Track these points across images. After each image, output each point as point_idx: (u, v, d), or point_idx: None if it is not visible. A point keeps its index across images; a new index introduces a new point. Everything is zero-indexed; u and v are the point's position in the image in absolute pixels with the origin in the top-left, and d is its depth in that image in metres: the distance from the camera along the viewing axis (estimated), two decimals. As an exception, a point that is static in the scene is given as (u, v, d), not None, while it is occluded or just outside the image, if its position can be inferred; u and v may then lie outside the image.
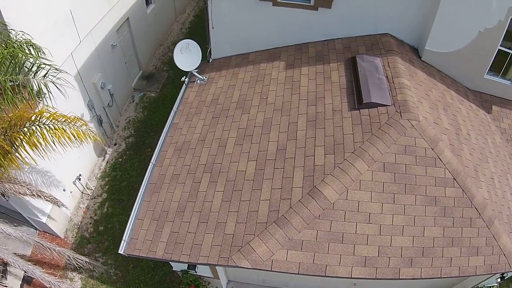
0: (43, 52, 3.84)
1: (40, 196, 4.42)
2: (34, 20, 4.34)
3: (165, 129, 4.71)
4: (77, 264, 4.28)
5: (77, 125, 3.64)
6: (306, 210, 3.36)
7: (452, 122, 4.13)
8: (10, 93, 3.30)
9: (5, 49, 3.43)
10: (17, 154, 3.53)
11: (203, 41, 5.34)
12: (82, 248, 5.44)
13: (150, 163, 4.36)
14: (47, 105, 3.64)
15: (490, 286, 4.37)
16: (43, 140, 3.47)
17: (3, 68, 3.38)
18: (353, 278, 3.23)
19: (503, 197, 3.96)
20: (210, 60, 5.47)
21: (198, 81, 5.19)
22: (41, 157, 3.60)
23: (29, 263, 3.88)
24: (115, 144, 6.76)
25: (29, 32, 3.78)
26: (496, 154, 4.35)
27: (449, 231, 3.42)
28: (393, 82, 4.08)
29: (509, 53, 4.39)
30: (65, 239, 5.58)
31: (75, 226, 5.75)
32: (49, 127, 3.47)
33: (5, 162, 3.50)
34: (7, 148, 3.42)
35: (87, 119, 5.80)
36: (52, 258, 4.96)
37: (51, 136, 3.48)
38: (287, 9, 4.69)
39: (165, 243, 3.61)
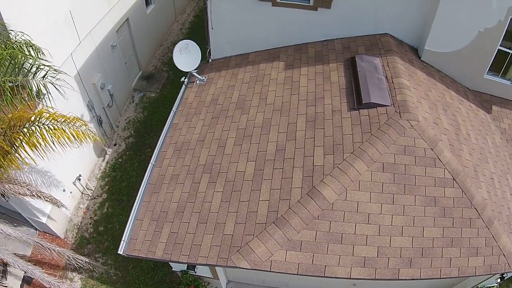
0: (43, 53, 3.85)
1: (40, 197, 4.43)
2: (34, 20, 4.34)
3: (164, 129, 4.71)
4: (76, 264, 4.29)
5: (77, 125, 3.65)
6: (305, 211, 3.36)
7: (451, 122, 4.12)
8: (9, 94, 3.31)
9: (5, 50, 3.43)
10: (16, 155, 3.54)
11: (203, 41, 5.34)
12: (82, 249, 5.44)
13: (150, 164, 4.36)
14: (47, 106, 3.65)
15: (490, 287, 4.36)
16: (43, 141, 3.48)
17: (3, 69, 3.39)
18: (352, 278, 3.22)
19: (503, 198, 3.95)
20: (210, 60, 5.47)
21: (198, 82, 5.19)
22: (41, 157, 3.60)
23: (29, 263, 3.88)
24: (115, 145, 6.77)
25: (29, 32, 3.79)
26: (496, 154, 4.34)
27: (448, 231, 3.42)
28: (392, 82, 4.08)
29: (509, 53, 4.38)
30: (65, 240, 5.59)
31: (75, 227, 5.75)
32: (48, 127, 3.48)
33: (5, 162, 3.50)
34: (6, 149, 3.43)
35: (87, 120, 5.81)
36: (52, 258, 4.97)
37: (51, 136, 3.49)
38: (286, 9, 4.69)
39: (165, 244, 3.61)
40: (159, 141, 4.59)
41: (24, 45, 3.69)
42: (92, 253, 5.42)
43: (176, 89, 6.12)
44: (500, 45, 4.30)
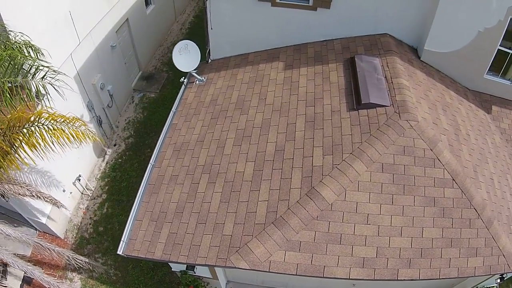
0: (42, 54, 3.85)
1: (39, 197, 4.44)
2: (34, 21, 4.35)
3: (164, 130, 4.72)
4: (76, 264, 4.29)
5: (76, 125, 3.65)
6: (304, 211, 3.36)
7: (451, 122, 4.12)
8: (8, 95, 3.31)
9: (4, 51, 3.44)
10: (16, 155, 3.54)
11: (203, 41, 5.34)
12: (81, 249, 5.45)
13: (149, 164, 4.37)
14: (46, 106, 3.66)
15: (490, 287, 4.35)
16: (42, 141, 3.48)
17: (2, 69, 3.40)
18: (351, 279, 3.22)
19: (503, 198, 3.95)
20: (209, 60, 5.47)
21: (197, 82, 5.19)
22: (40, 157, 3.61)
23: (29, 263, 3.89)
24: (114, 145, 6.77)
25: (28, 33, 3.80)
26: (496, 154, 4.33)
27: (448, 232, 3.41)
28: (392, 82, 4.07)
29: (509, 53, 4.37)
30: (65, 240, 5.60)
31: (75, 227, 5.76)
32: (48, 127, 3.48)
33: (5, 163, 3.51)
34: (6, 149, 3.43)
35: (86, 120, 5.82)
36: (52, 258, 4.98)
37: (50, 136, 3.49)
38: (285, 10, 4.69)
39: (164, 244, 3.61)
40: (159, 141, 4.59)
41: (23, 45, 3.70)
42: (92, 253, 5.43)
43: (176, 89, 6.12)
44: (500, 45, 4.29)
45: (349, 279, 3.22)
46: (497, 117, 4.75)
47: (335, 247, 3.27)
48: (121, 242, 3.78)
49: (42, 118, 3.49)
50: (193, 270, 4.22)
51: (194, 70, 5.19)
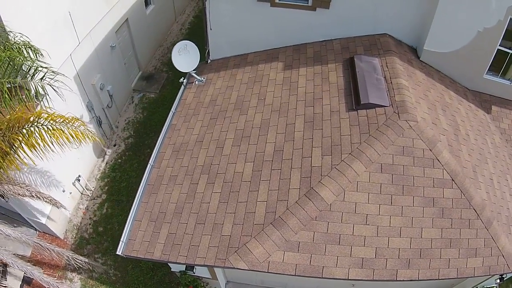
0: (41, 54, 3.86)
1: (39, 197, 4.45)
2: (34, 21, 4.35)
3: (163, 130, 4.72)
4: (76, 264, 4.30)
5: (75, 125, 3.66)
6: (303, 212, 3.36)
7: (450, 122, 4.11)
8: (7, 96, 3.32)
9: (4, 52, 3.45)
10: (16, 156, 3.55)
11: (203, 41, 5.34)
12: (81, 249, 5.46)
13: (148, 164, 4.37)
14: (46, 107, 3.66)
15: (489, 287, 4.35)
16: (42, 141, 3.49)
17: (1, 70, 3.40)
18: (350, 279, 3.22)
19: (502, 198, 3.94)
20: (209, 61, 5.48)
21: (197, 82, 5.20)
22: (40, 158, 3.61)
23: (29, 263, 3.90)
24: (114, 145, 6.78)
25: (28, 33, 3.80)
26: (496, 154, 4.32)
27: (447, 232, 3.41)
28: (391, 82, 4.07)
29: (509, 53, 4.36)
30: (65, 240, 5.61)
31: (75, 227, 5.77)
32: (47, 128, 3.49)
33: (5, 163, 3.52)
34: (6, 150, 3.44)
35: (86, 120, 5.82)
36: (51, 258, 4.98)
37: (50, 137, 3.50)
38: (285, 10, 4.68)
39: (163, 244, 3.62)
40: (158, 142, 4.59)
41: (23, 46, 3.70)
42: (91, 253, 5.44)
43: (175, 90, 6.12)
44: (499, 45, 4.28)
45: (348, 279, 3.22)
46: (497, 117, 4.74)
47: (334, 247, 3.27)
48: (120, 242, 3.79)
49: (42, 119, 3.50)
50: (193, 271, 4.22)
51: (193, 70, 5.19)
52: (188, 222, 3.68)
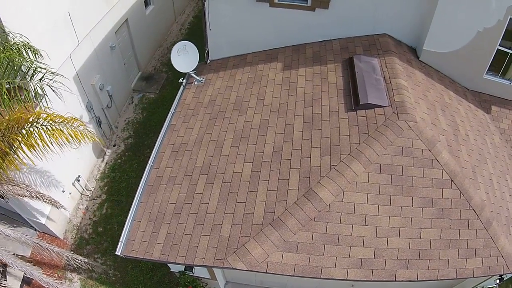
0: (41, 55, 3.86)
1: (38, 198, 4.45)
2: (33, 22, 4.36)
3: (162, 130, 4.72)
4: (75, 264, 4.31)
5: (75, 125, 3.66)
6: (301, 212, 3.36)
7: (450, 122, 4.10)
8: (6, 96, 3.32)
9: (3, 53, 3.45)
10: (15, 156, 3.56)
11: (203, 42, 5.33)
12: (81, 249, 5.47)
13: (147, 165, 4.37)
14: (46, 107, 3.67)
15: (489, 287, 4.34)
16: (41, 141, 3.49)
17: (0, 71, 3.41)
18: (349, 280, 3.22)
19: (502, 198, 3.93)
20: (208, 61, 5.48)
21: (196, 83, 5.20)
22: (39, 158, 3.62)
23: (28, 264, 3.91)
24: (114, 145, 6.79)
25: (28, 34, 3.81)
26: (495, 154, 4.31)
27: (446, 233, 3.40)
28: (390, 82, 4.06)
29: (509, 52, 4.35)
30: (65, 240, 5.61)
31: (74, 227, 5.78)
32: (46, 128, 3.49)
33: (4, 163, 3.53)
34: (5, 150, 3.45)
35: (86, 121, 5.83)
36: (51, 259, 4.98)
37: (49, 137, 3.50)
38: (284, 10, 4.68)
39: (162, 245, 3.62)
40: (157, 142, 4.60)
41: (22, 47, 3.71)
42: (91, 253, 5.45)
43: (175, 90, 6.13)
44: (499, 45, 4.27)
45: (347, 280, 3.21)
46: (497, 117, 4.72)
47: (333, 248, 3.26)
48: (120, 242, 3.79)
49: (41, 119, 3.50)
50: (192, 271, 4.23)
51: (192, 71, 5.20)
52: (187, 222, 3.68)
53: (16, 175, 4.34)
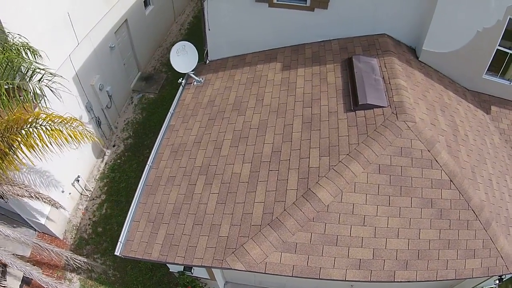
0: (40, 55, 3.87)
1: (38, 198, 4.46)
2: (33, 22, 4.36)
3: (161, 131, 4.73)
4: (75, 264, 4.32)
5: (74, 125, 3.66)
6: (300, 213, 3.35)
7: (449, 123, 4.09)
8: (5, 97, 3.33)
9: (2, 53, 3.46)
10: (15, 156, 3.56)
11: (202, 42, 5.33)
12: (80, 249, 5.48)
13: (147, 165, 4.38)
14: (45, 107, 3.67)
15: (488, 288, 4.33)
16: (40, 141, 3.50)
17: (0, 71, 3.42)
18: (348, 280, 3.21)
19: (501, 199, 3.92)
20: (207, 61, 5.48)
21: (195, 83, 5.20)
22: (39, 158, 3.63)
23: (27, 264, 3.91)
24: (113, 146, 6.80)
25: (27, 34, 3.81)
26: (495, 155, 4.30)
27: (445, 233, 3.39)
28: (389, 83, 4.05)
29: (508, 52, 4.34)
30: (64, 240, 5.62)
31: (74, 228, 5.79)
32: (45, 128, 3.50)
33: (4, 164, 3.53)
34: (5, 150, 3.45)
35: (85, 121, 5.84)
36: (50, 259, 5.00)
37: (48, 137, 3.51)
38: (283, 10, 4.68)
39: (161, 245, 3.62)
40: (156, 142, 4.60)
41: (21, 47, 3.71)
42: (90, 254, 5.46)
43: (175, 90, 6.13)
44: (499, 45, 4.26)
45: (345, 280, 3.21)
46: (496, 118, 4.71)
47: (331, 248, 3.26)
48: (119, 243, 3.80)
49: (40, 119, 3.51)
50: (191, 271, 4.23)
51: (192, 71, 5.20)
52: (186, 222, 3.68)
53: (16, 176, 4.35)
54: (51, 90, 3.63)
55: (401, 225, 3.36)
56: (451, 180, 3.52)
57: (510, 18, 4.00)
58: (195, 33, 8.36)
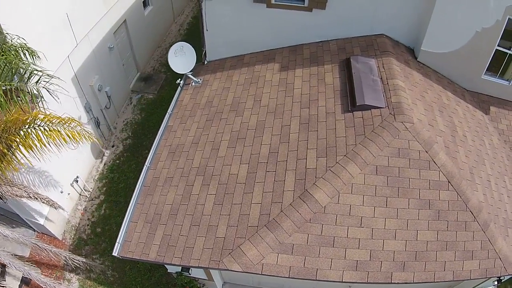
0: (38, 57, 3.88)
1: (36, 199, 4.48)
2: (32, 23, 4.37)
3: (159, 132, 4.73)
4: (73, 264, 4.33)
5: (72, 126, 3.67)
6: (297, 214, 3.35)
7: (448, 123, 4.08)
8: (2, 99, 3.34)
9: (1, 54, 3.47)
10: (13, 157, 3.57)
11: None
12: (79, 250, 5.49)
13: (144, 166, 4.38)
14: (43, 108, 3.68)
15: (487, 289, 4.31)
16: (38, 142, 3.51)
17: (-2, 73, 3.43)
18: (344, 282, 3.21)
19: (500, 200, 3.90)
20: (205, 62, 5.48)
21: (193, 84, 5.20)
22: (37, 159, 3.64)
23: (26, 264, 3.93)
24: (112, 146, 6.81)
25: (26, 35, 3.82)
26: (493, 155, 4.28)
27: (443, 234, 3.38)
28: (387, 83, 4.04)
29: (507, 53, 4.31)
30: (63, 241, 5.64)
31: (73, 228, 5.81)
32: (44, 129, 3.51)
33: (2, 164, 3.55)
34: (3, 151, 3.47)
35: (84, 122, 5.85)
36: (49, 259, 5.02)
37: (46, 138, 3.52)
38: (281, 11, 4.67)
39: (158, 246, 3.63)
40: (154, 143, 4.61)
41: (20, 48, 3.72)
42: (89, 254, 5.47)
43: (174, 91, 6.12)
44: (498, 45, 4.23)
45: (342, 282, 3.21)
46: (495, 118, 4.69)
47: (328, 250, 3.26)
48: (117, 243, 3.81)
49: (38, 120, 3.52)
50: (188, 272, 4.23)
51: (190, 72, 5.20)
52: (183, 223, 3.69)
53: (15, 176, 4.36)
54: (49, 92, 3.63)
55: (399, 226, 3.35)
56: (449, 181, 3.51)
57: (509, 18, 3.97)
58: (195, 34, 8.35)
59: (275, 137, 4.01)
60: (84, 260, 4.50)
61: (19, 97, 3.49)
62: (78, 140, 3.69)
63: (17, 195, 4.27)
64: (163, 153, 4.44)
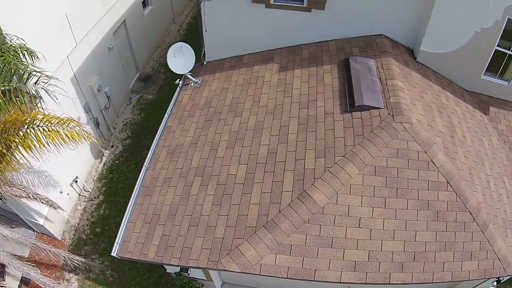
0: (37, 57, 3.88)
1: (36, 199, 4.49)
2: (31, 24, 4.37)
3: (158, 132, 4.74)
4: (72, 264, 4.33)
5: (71, 126, 3.68)
6: (295, 214, 3.35)
7: (447, 124, 4.07)
8: (1, 100, 3.35)
9: (0, 55, 3.47)
10: (12, 157, 3.58)
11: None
12: (79, 250, 5.50)
13: (143, 166, 4.39)
14: (42, 108, 3.69)
15: (486, 290, 4.30)
16: (38, 142, 3.51)
17: (-3, 73, 3.43)
18: (343, 283, 3.21)
19: (499, 200, 3.89)
20: (204, 62, 5.48)
21: (192, 84, 5.20)
22: (36, 159, 3.64)
23: (26, 264, 3.94)
24: (112, 146, 6.82)
25: (25, 36, 3.82)
26: (493, 156, 4.27)
27: (441, 235, 3.37)
28: (386, 84, 4.03)
29: (507, 53, 4.30)
30: (63, 241, 5.65)
31: (72, 228, 5.82)
32: (43, 129, 3.52)
33: (1, 165, 3.55)
34: (2, 151, 3.47)
35: (83, 122, 5.86)
36: (49, 259, 5.03)
37: (45, 138, 3.53)
38: (280, 11, 4.67)
39: (157, 246, 3.63)
40: (153, 144, 4.61)
41: (19, 49, 3.73)
42: (89, 254, 5.48)
43: (173, 91, 6.12)
44: (497, 45, 4.23)
45: (340, 282, 3.20)
46: (495, 118, 4.68)
47: (327, 250, 3.25)
48: (115, 243, 3.81)
49: (37, 120, 3.53)
50: (187, 272, 4.24)
51: (189, 72, 5.20)
52: (182, 224, 3.69)
53: (14, 176, 4.37)
54: (47, 93, 3.64)
55: (397, 227, 3.34)
56: (448, 182, 3.50)
57: (508, 18, 3.97)
58: (194, 34, 8.34)
59: (274, 138, 4.00)
60: (83, 260, 4.51)
61: (18, 97, 3.49)
62: (77, 140, 3.69)
63: (16, 195, 4.28)
64: (162, 154, 4.44)
